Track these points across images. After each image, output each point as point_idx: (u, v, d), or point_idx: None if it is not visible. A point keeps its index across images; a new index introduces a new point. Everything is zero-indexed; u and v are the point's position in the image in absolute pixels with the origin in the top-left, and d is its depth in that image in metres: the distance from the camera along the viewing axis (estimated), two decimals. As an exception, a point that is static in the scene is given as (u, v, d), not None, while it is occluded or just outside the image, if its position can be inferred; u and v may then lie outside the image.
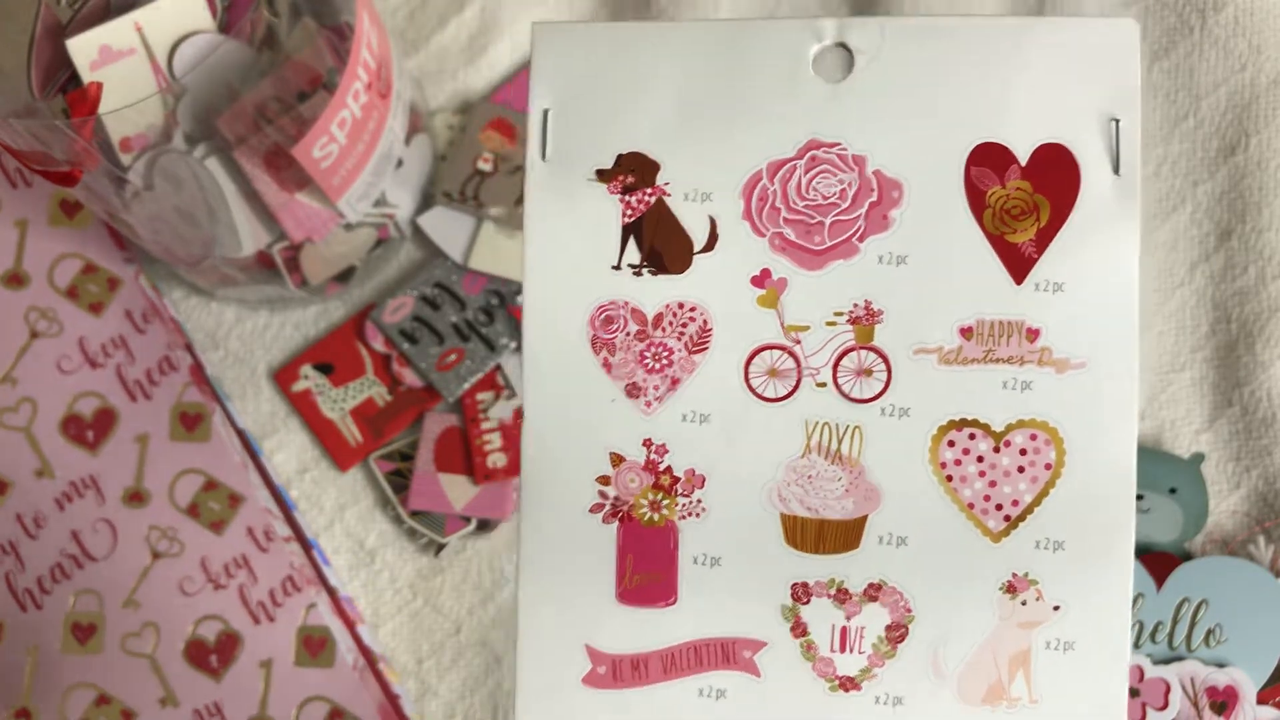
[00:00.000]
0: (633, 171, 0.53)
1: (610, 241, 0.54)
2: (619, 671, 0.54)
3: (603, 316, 0.54)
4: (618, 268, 0.54)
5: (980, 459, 0.53)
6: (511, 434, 0.84)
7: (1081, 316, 0.52)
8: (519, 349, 0.85)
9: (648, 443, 0.54)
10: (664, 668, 0.54)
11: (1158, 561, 0.78)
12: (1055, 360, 0.52)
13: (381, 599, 0.84)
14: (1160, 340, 0.82)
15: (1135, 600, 0.77)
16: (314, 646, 0.82)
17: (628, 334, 0.54)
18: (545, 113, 0.54)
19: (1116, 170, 0.52)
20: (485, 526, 0.84)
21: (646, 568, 0.54)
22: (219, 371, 0.87)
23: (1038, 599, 0.53)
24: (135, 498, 0.84)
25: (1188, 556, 0.79)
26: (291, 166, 0.74)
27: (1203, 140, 0.83)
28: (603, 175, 0.54)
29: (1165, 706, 0.76)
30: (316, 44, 0.72)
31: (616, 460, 0.54)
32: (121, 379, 0.86)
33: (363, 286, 0.87)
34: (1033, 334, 0.52)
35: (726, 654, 0.54)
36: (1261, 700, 0.76)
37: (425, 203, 0.88)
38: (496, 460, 0.83)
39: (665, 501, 0.54)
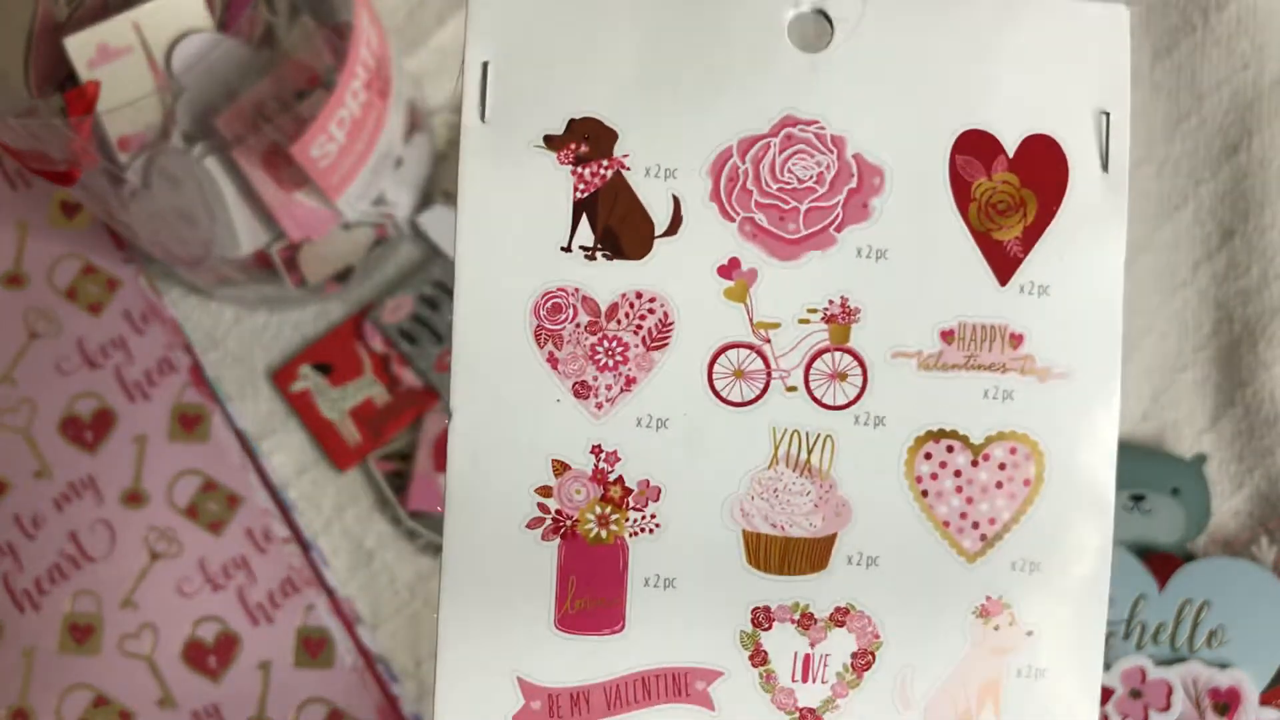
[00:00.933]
0: (587, 139, 0.47)
1: (559, 219, 0.47)
2: (556, 707, 0.48)
3: (549, 304, 0.47)
4: (568, 249, 0.47)
5: (958, 473, 0.48)
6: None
7: (1066, 323, 0.48)
8: (518, 349, 0.84)
9: (596, 449, 0.48)
10: (608, 702, 0.48)
11: (1160, 562, 0.78)
12: (1038, 369, 0.48)
13: (380, 600, 0.84)
14: (1163, 340, 0.82)
15: (1136, 602, 0.77)
16: (313, 647, 0.82)
17: (577, 325, 0.47)
18: (485, 66, 0.47)
19: (1105, 167, 0.48)
20: (485, 527, 0.84)
21: (591, 591, 0.48)
22: (217, 371, 0.87)
23: (1011, 624, 0.48)
24: (134, 498, 0.84)
25: (1190, 557, 0.79)
26: (290, 165, 0.74)
27: (1205, 139, 0.83)
28: (552, 142, 0.47)
29: (1167, 708, 0.76)
30: (315, 43, 0.72)
31: (560, 468, 0.48)
32: (120, 380, 0.86)
33: (361, 286, 0.87)
34: (1016, 339, 0.48)
35: (678, 685, 0.48)
36: (1264, 702, 0.76)
37: (424, 202, 0.88)
38: (496, 461, 0.83)
39: (615, 516, 0.48)
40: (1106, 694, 0.76)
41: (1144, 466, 0.79)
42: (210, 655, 0.82)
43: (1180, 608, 0.77)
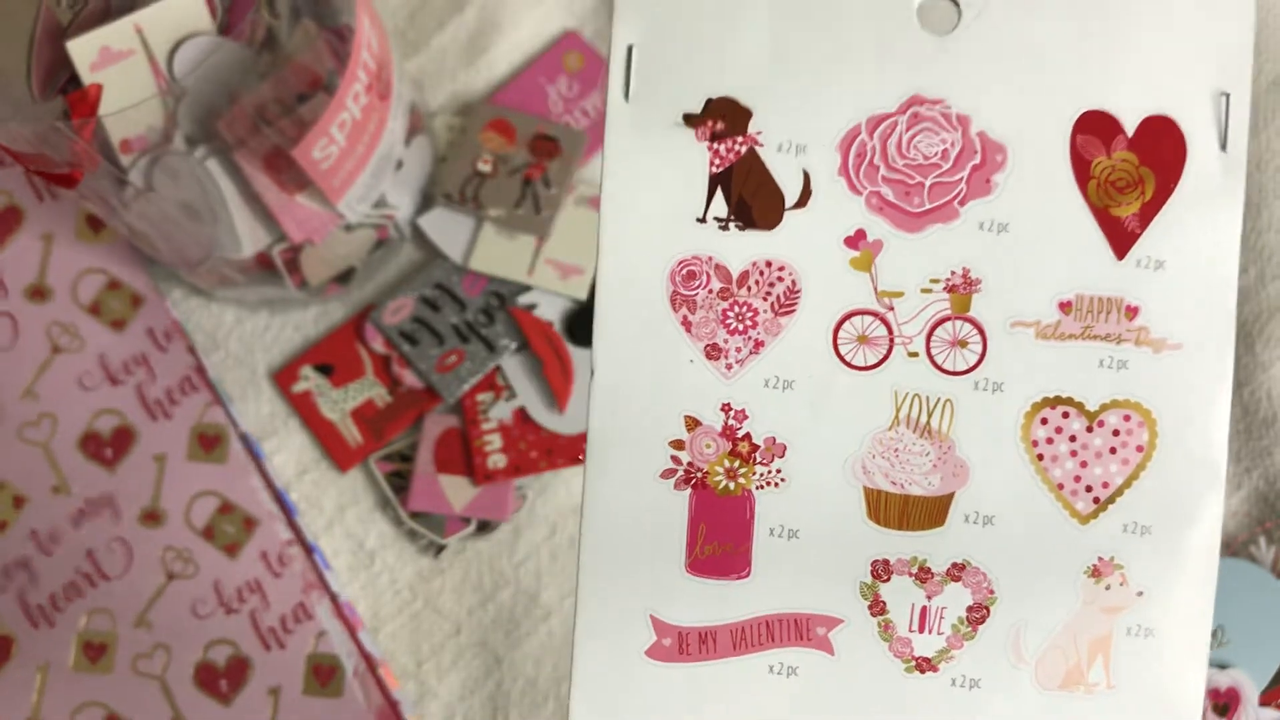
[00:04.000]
0: (723, 118, 0.50)
1: (696, 192, 0.50)
2: (685, 644, 0.51)
3: (684, 271, 0.50)
4: (703, 220, 0.50)
5: (1073, 438, 0.50)
6: (511, 435, 0.84)
7: (1180, 296, 0.49)
8: (519, 350, 0.86)
9: (726, 407, 0.51)
10: (733, 642, 0.51)
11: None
12: (1153, 340, 0.50)
13: (381, 600, 0.84)
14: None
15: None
16: (323, 675, 0.82)
17: (710, 291, 0.50)
18: (630, 49, 0.50)
19: (1223, 146, 0.49)
20: (485, 528, 0.84)
21: (719, 538, 0.51)
22: (219, 373, 0.87)
23: (1122, 584, 0.50)
24: (151, 517, 0.85)
25: (1191, 560, 0.78)
26: (291, 168, 0.74)
27: (1203, 142, 0.83)
28: (690, 120, 0.50)
29: (1168, 709, 0.75)
30: (316, 46, 0.73)
31: (692, 424, 0.51)
32: (141, 397, 0.86)
33: (363, 288, 0.88)
34: (1131, 311, 0.49)
35: (800, 630, 0.51)
36: (1264, 702, 0.75)
37: (425, 204, 0.88)
38: (496, 461, 0.83)
39: (742, 470, 0.51)
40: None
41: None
42: (221, 679, 0.82)
43: (1182, 610, 0.76)
